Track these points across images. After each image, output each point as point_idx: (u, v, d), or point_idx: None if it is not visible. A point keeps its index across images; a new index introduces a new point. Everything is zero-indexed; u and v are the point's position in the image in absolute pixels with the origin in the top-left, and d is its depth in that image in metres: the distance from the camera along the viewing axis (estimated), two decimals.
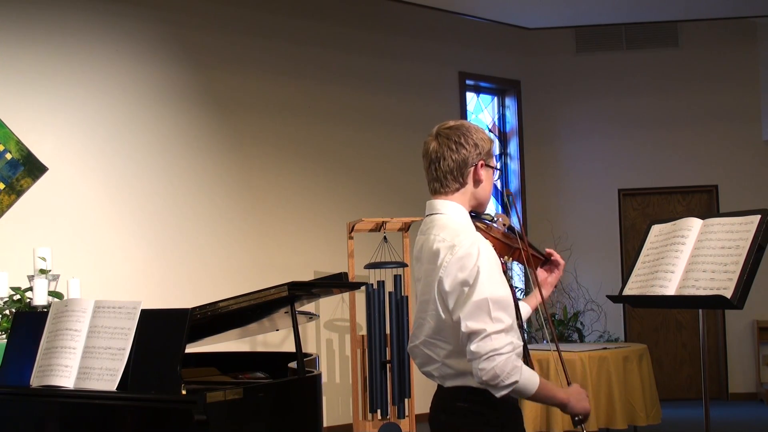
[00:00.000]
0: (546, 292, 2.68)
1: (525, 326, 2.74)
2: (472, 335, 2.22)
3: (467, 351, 2.24)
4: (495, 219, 2.57)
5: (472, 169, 2.42)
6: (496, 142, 8.73)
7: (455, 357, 2.35)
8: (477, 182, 2.44)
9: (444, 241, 2.33)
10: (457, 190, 2.43)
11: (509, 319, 2.26)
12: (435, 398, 2.48)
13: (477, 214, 2.52)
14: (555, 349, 2.64)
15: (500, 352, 2.20)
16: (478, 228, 2.44)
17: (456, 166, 2.40)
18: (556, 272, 2.71)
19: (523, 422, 2.53)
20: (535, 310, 2.77)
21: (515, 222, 2.76)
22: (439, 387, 2.45)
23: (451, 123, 2.48)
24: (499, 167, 2.51)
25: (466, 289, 2.25)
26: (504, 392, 2.23)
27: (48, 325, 3.19)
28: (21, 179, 5.75)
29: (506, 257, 2.56)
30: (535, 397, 2.31)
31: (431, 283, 2.36)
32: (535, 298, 2.70)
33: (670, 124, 8.59)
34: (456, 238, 2.31)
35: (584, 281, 8.06)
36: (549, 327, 2.75)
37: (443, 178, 2.42)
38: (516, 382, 2.22)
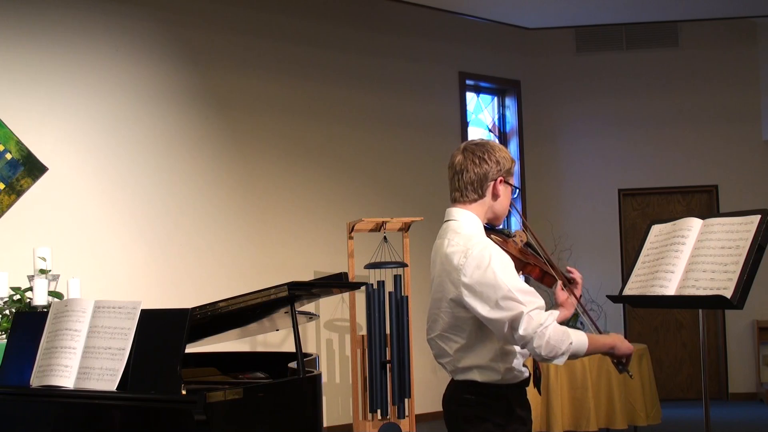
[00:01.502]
0: (568, 312, 2.73)
1: None
2: (513, 322, 2.38)
3: (516, 339, 2.40)
4: (512, 235, 2.73)
5: (492, 183, 2.61)
6: (496, 141, 8.71)
7: (465, 352, 2.54)
8: (495, 196, 2.62)
9: (457, 245, 2.51)
10: (475, 201, 2.61)
11: (539, 300, 2.43)
12: (447, 390, 2.66)
13: (493, 227, 2.68)
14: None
15: (546, 325, 2.37)
16: (494, 241, 2.59)
17: (477, 179, 2.59)
18: (575, 291, 2.79)
19: (531, 411, 2.65)
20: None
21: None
22: (451, 380, 2.63)
23: (478, 140, 2.69)
24: (517, 186, 2.72)
25: (485, 289, 2.42)
26: (564, 358, 2.40)
27: (48, 325, 3.19)
28: (21, 179, 5.75)
29: (518, 271, 2.65)
30: (588, 351, 2.47)
31: (443, 284, 2.55)
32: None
33: (670, 124, 8.59)
34: (469, 242, 2.50)
35: (584, 281, 8.02)
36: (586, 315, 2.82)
37: (464, 188, 2.61)
38: (571, 343, 2.40)
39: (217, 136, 6.74)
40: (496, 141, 2.76)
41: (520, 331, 2.36)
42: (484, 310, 2.42)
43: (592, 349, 2.49)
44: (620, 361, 2.60)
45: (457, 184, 2.61)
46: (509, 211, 2.73)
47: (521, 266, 2.70)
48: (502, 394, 2.52)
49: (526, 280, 2.74)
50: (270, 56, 7.05)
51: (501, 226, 2.74)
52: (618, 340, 2.57)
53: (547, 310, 2.68)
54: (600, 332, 2.74)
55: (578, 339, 2.42)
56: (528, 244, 2.76)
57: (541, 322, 2.37)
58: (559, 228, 8.24)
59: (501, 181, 2.61)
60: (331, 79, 7.37)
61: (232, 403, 2.89)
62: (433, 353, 2.67)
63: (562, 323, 2.58)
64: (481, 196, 2.60)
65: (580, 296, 2.83)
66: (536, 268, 2.74)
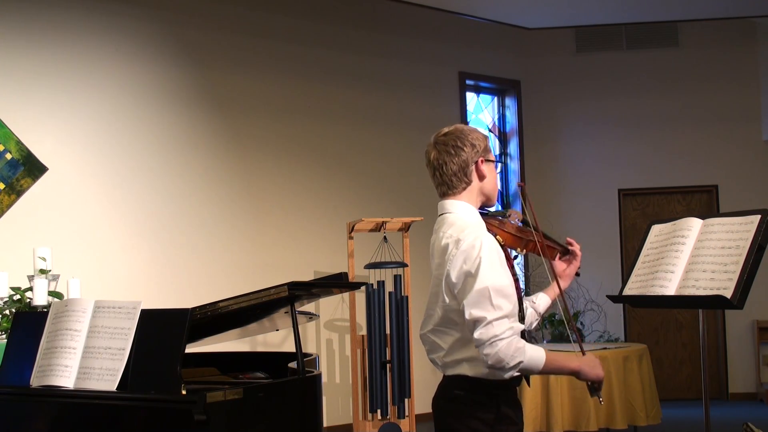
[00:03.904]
0: (564, 284, 2.82)
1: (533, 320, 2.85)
2: (476, 323, 2.39)
3: (473, 338, 2.40)
4: (508, 215, 2.73)
5: (474, 167, 2.59)
6: (496, 142, 8.73)
7: (459, 345, 2.53)
8: (481, 177, 2.61)
9: (450, 237, 2.51)
10: (464, 189, 2.61)
11: (509, 306, 2.42)
12: (438, 386, 2.65)
13: (488, 211, 2.68)
14: (575, 341, 2.80)
15: (501, 338, 2.36)
16: (491, 224, 2.60)
17: (459, 169, 2.58)
18: (574, 263, 2.84)
19: (522, 411, 2.64)
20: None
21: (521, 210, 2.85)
22: (443, 377, 2.62)
23: (446, 130, 2.65)
24: (498, 159, 2.72)
25: (469, 279, 2.42)
26: (511, 373, 2.40)
27: (48, 325, 3.19)
28: (21, 179, 5.75)
29: (520, 249, 2.69)
30: (545, 371, 2.46)
31: (440, 276, 2.54)
32: (554, 290, 2.84)
33: (670, 124, 8.59)
34: (462, 233, 2.49)
35: (584, 281, 8.05)
36: (569, 324, 2.86)
37: (449, 181, 2.60)
38: (521, 362, 2.38)
39: (217, 135, 6.74)
40: (463, 124, 2.72)
41: (476, 335, 2.37)
42: (459, 300, 2.44)
43: (551, 370, 2.47)
44: (592, 385, 2.57)
45: (441, 179, 2.60)
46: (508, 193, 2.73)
47: (523, 245, 2.70)
48: (491, 392, 2.51)
49: (528, 258, 2.76)
50: (270, 56, 7.05)
51: (495, 208, 2.74)
52: (586, 366, 2.53)
53: (545, 287, 2.76)
54: (582, 348, 2.70)
55: (531, 359, 2.40)
56: (524, 221, 2.75)
57: (497, 334, 2.35)
58: (559, 228, 8.23)
59: (482, 161, 2.60)
60: (331, 79, 7.37)
61: (232, 403, 2.89)
62: (426, 349, 2.66)
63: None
64: (468, 182, 2.59)
65: (579, 268, 2.86)
66: (536, 244, 2.73)
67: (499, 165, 2.71)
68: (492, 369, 2.39)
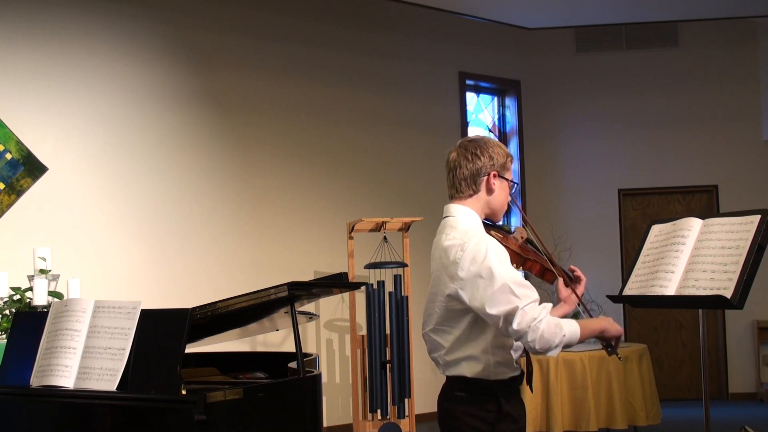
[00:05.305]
0: (568, 309, 2.81)
1: None
2: (508, 317, 2.41)
3: (511, 332, 2.43)
4: (512, 231, 2.77)
5: (485, 178, 2.63)
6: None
7: (458, 344, 2.56)
8: (489, 191, 2.65)
9: (454, 239, 2.54)
10: (471, 196, 2.65)
11: (534, 293, 2.45)
12: (442, 387, 2.68)
13: (493, 224, 2.71)
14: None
15: (539, 319, 2.40)
16: (493, 237, 2.60)
17: (470, 175, 2.63)
18: (578, 289, 2.82)
19: (524, 409, 2.66)
20: None
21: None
22: (446, 377, 2.65)
23: (473, 136, 2.73)
24: (515, 181, 2.73)
25: (481, 282, 2.44)
26: (558, 350, 2.44)
27: (48, 325, 3.19)
28: (21, 179, 5.75)
29: (516, 266, 2.69)
30: (582, 339, 2.52)
31: (440, 277, 2.58)
32: (557, 312, 2.78)
33: (670, 124, 8.59)
34: (465, 236, 2.52)
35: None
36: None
37: (458, 184, 2.64)
38: (564, 336, 2.43)
39: (217, 135, 6.73)
40: (493, 137, 2.77)
41: (514, 326, 2.40)
42: (480, 304, 2.44)
43: (585, 336, 2.53)
44: (609, 344, 2.64)
45: (453, 181, 2.66)
46: (508, 207, 2.74)
47: (521, 262, 2.72)
48: (491, 391, 2.54)
49: (526, 277, 2.77)
50: (270, 56, 7.05)
51: (501, 223, 2.75)
52: (607, 323, 2.61)
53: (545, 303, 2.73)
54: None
55: (571, 330, 2.45)
56: (528, 241, 2.79)
57: (535, 317, 2.40)
58: (559, 228, 8.24)
59: (495, 175, 2.63)
60: (331, 79, 7.37)
61: (232, 403, 2.90)
62: (427, 348, 2.69)
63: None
64: (476, 191, 2.64)
65: (582, 295, 2.84)
66: (537, 264, 2.76)
67: (516, 186, 2.72)
68: (539, 353, 2.43)
